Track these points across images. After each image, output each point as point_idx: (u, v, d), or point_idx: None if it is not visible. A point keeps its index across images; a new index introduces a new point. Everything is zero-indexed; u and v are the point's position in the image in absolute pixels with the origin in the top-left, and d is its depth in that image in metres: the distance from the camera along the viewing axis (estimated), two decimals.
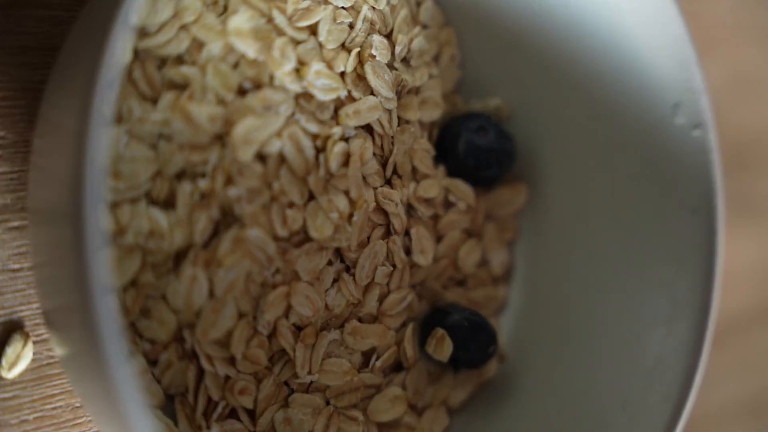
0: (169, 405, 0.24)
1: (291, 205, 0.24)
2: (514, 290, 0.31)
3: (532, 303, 0.30)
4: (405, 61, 0.28)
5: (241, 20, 0.23)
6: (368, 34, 0.26)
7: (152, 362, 0.23)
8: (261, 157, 0.23)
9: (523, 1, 0.29)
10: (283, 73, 0.24)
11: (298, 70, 0.24)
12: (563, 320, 0.29)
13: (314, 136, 0.24)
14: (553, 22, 0.28)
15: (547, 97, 0.30)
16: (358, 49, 0.26)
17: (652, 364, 0.27)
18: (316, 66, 0.24)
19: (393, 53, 0.27)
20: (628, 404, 0.26)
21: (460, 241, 0.29)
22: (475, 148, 0.29)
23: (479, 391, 0.29)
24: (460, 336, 0.27)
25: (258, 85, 0.23)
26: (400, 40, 0.27)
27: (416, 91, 0.28)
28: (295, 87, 0.24)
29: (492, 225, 0.30)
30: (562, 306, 0.29)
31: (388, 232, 0.27)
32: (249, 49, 0.23)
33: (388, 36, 0.27)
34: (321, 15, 0.25)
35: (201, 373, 0.24)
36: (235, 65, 0.23)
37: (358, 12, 0.26)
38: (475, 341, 0.27)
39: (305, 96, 0.24)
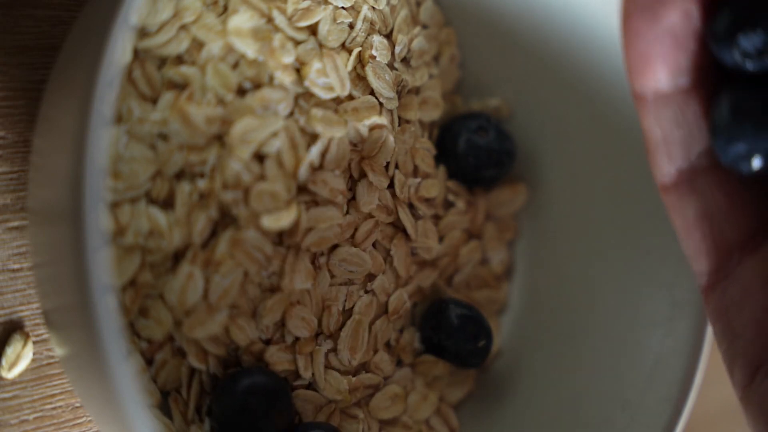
0: (163, 401, 0.24)
1: None
2: (514, 290, 0.31)
3: (532, 303, 0.30)
4: (405, 60, 0.28)
5: (241, 20, 0.23)
6: (368, 35, 0.26)
7: (148, 361, 0.23)
8: (259, 157, 0.23)
9: (523, 1, 0.29)
10: (283, 72, 0.24)
11: (299, 70, 0.24)
12: (563, 320, 0.29)
13: (314, 136, 0.24)
14: (552, 21, 0.28)
15: (546, 96, 0.30)
16: (359, 48, 0.26)
17: (652, 364, 0.27)
18: (317, 65, 0.24)
19: (393, 53, 0.27)
20: (628, 404, 0.26)
21: (461, 241, 0.29)
22: (475, 148, 0.29)
23: (478, 391, 0.29)
24: (451, 326, 0.27)
25: (257, 85, 0.23)
26: (400, 40, 0.27)
27: (416, 91, 0.28)
28: (294, 87, 0.24)
29: (492, 224, 0.30)
30: (562, 306, 0.29)
31: (392, 233, 0.27)
32: (249, 49, 0.23)
33: (388, 36, 0.27)
34: (321, 15, 0.25)
35: (193, 368, 0.24)
36: (235, 65, 0.23)
37: (358, 12, 0.26)
38: (465, 332, 0.27)
39: (305, 96, 0.24)
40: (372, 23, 0.26)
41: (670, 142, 0.22)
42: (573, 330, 0.29)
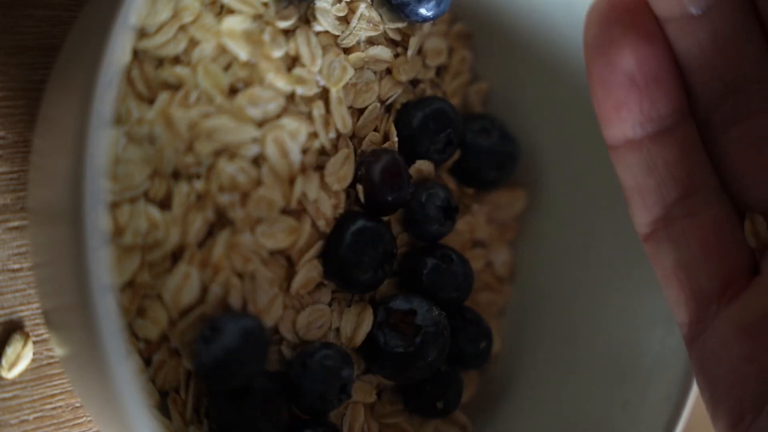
0: (162, 402, 0.24)
1: None
2: (514, 290, 0.31)
3: (532, 303, 0.30)
4: (419, 54, 0.28)
5: (234, 21, 0.23)
6: (366, 36, 0.26)
7: (147, 362, 0.23)
8: (255, 161, 0.23)
9: (524, 2, 0.29)
10: (276, 74, 0.23)
11: (290, 69, 0.24)
12: (563, 320, 0.29)
13: (313, 135, 0.24)
14: (554, 22, 0.28)
15: (548, 97, 0.30)
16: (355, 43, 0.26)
17: (652, 364, 0.27)
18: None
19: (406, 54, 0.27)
20: (628, 404, 0.26)
21: (465, 247, 0.29)
22: (478, 150, 0.29)
23: (479, 392, 0.29)
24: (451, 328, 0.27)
25: (249, 86, 0.23)
26: (412, 42, 0.27)
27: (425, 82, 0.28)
28: (287, 86, 0.24)
29: (492, 226, 0.30)
30: (562, 306, 0.29)
31: None
32: (241, 51, 0.23)
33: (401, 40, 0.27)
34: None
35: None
36: (227, 66, 0.23)
37: (354, 12, 0.26)
38: (465, 334, 0.27)
39: (297, 96, 0.24)
40: (371, 21, 0.26)
41: (644, 190, 0.22)
42: (573, 330, 0.29)
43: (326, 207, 0.24)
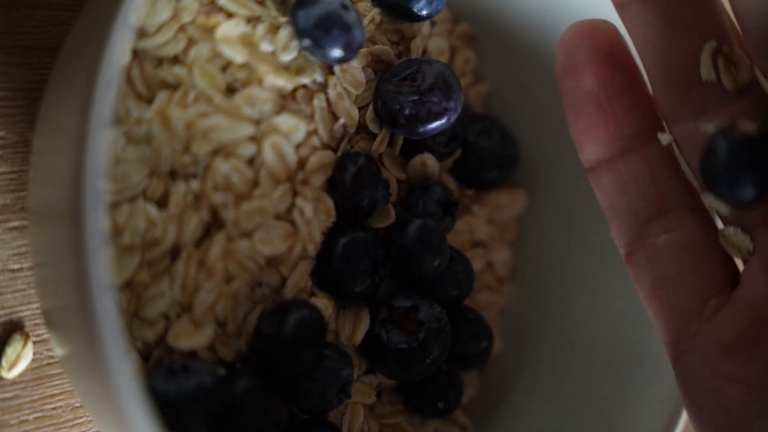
0: None
1: None
2: (514, 290, 0.31)
3: (532, 303, 0.30)
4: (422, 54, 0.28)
5: (228, 27, 0.23)
6: (369, 34, 0.26)
7: (146, 360, 0.23)
8: (250, 162, 0.23)
9: (526, 3, 0.29)
10: (275, 75, 0.23)
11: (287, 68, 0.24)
12: (563, 320, 0.29)
13: (312, 133, 0.24)
14: (555, 23, 0.28)
15: (548, 98, 0.30)
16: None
17: (652, 365, 0.27)
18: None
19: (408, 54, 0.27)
20: (628, 404, 0.26)
21: (465, 247, 0.29)
22: (478, 151, 0.29)
23: (479, 392, 0.29)
24: (452, 328, 0.27)
25: (247, 86, 0.23)
26: (414, 45, 0.27)
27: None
28: (286, 84, 0.24)
29: (492, 227, 0.30)
30: (562, 306, 0.29)
31: None
32: (237, 55, 0.23)
33: (401, 41, 0.27)
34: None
35: None
36: (225, 66, 0.23)
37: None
38: (466, 334, 0.27)
39: (292, 94, 0.24)
40: (374, 22, 0.26)
41: (618, 210, 0.23)
42: (573, 330, 0.29)
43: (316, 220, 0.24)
